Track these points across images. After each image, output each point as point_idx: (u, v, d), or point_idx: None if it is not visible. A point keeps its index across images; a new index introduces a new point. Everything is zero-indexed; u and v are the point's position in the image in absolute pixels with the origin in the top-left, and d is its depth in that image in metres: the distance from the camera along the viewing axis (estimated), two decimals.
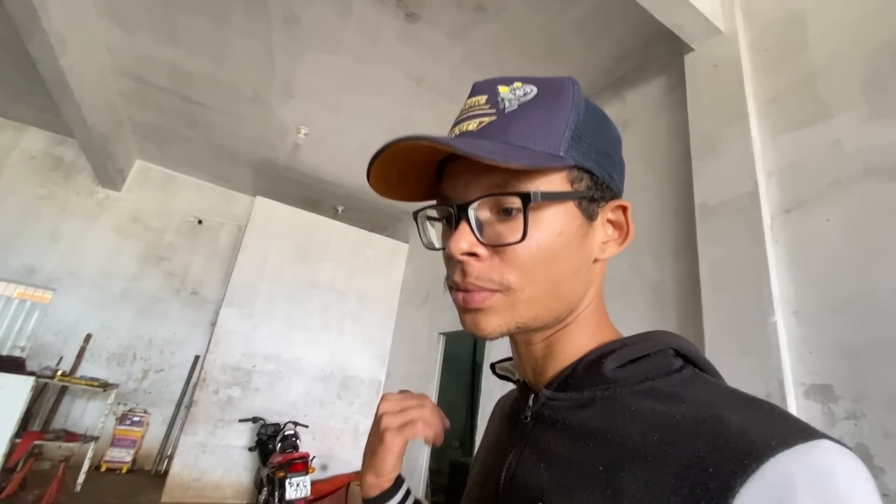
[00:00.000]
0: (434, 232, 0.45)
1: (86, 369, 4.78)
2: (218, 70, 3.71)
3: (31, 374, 3.25)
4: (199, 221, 5.78)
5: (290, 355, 4.87)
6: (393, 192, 0.44)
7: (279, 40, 3.28)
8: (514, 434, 0.43)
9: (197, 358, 5.42)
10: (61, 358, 4.71)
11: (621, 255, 2.38)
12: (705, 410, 0.32)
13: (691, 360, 0.39)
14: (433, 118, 3.85)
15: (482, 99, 0.41)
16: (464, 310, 0.39)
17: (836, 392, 1.59)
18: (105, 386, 3.94)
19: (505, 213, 0.37)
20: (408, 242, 5.94)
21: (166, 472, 4.70)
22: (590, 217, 0.40)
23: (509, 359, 0.52)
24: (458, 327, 3.26)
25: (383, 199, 5.27)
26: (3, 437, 2.96)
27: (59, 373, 3.61)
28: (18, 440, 3.02)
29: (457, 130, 0.40)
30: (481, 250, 0.37)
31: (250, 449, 4.17)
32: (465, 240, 0.37)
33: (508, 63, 3.15)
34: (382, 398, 0.50)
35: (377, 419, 0.49)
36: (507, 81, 0.41)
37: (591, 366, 0.39)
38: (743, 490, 0.26)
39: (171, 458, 4.83)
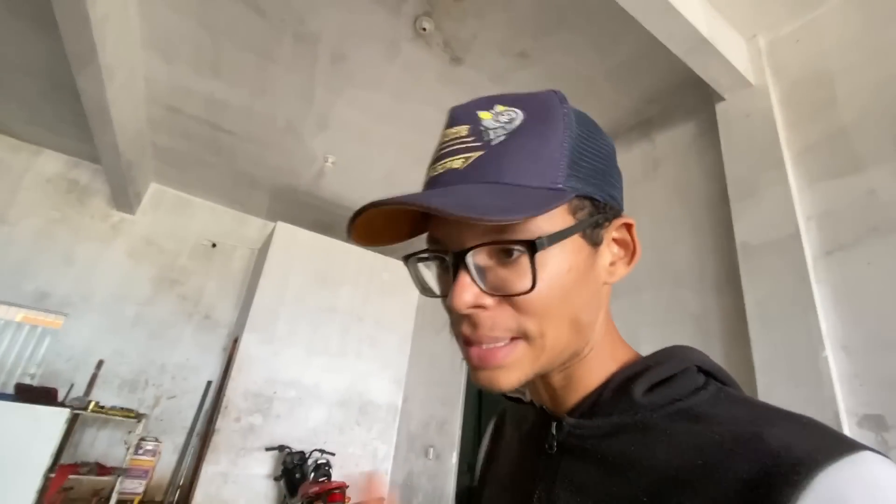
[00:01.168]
0: (430, 274, 0.42)
1: (97, 396, 4.65)
2: (255, 102, 3.80)
3: (62, 405, 3.20)
4: (213, 245, 5.76)
5: (310, 381, 4.86)
6: (376, 241, 0.41)
7: (322, 77, 3.41)
8: (539, 467, 0.40)
9: (209, 383, 5.34)
10: (72, 385, 4.59)
11: (661, 286, 2.52)
12: (744, 428, 0.31)
13: (713, 375, 0.38)
14: None
15: (463, 130, 0.38)
16: (478, 368, 0.36)
17: (888, 422, 1.74)
18: (139, 416, 3.87)
19: (506, 256, 0.35)
20: None
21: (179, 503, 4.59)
22: (595, 244, 0.38)
23: None
24: None
25: None
26: (38, 472, 2.90)
27: (93, 404, 3.54)
28: (52, 475, 2.95)
29: (440, 168, 0.37)
30: (488, 300, 0.35)
31: (276, 478, 4.12)
32: (468, 292, 0.34)
33: None
34: None
35: None
36: (487, 105, 0.39)
37: (618, 391, 0.38)
38: None
39: (182, 487, 4.72)
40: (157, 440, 4.88)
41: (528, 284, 0.33)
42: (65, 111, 4.25)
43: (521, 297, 0.34)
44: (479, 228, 0.34)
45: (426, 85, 3.34)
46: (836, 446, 0.27)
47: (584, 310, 0.38)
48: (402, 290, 5.81)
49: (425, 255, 0.40)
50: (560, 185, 0.35)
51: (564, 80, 3.10)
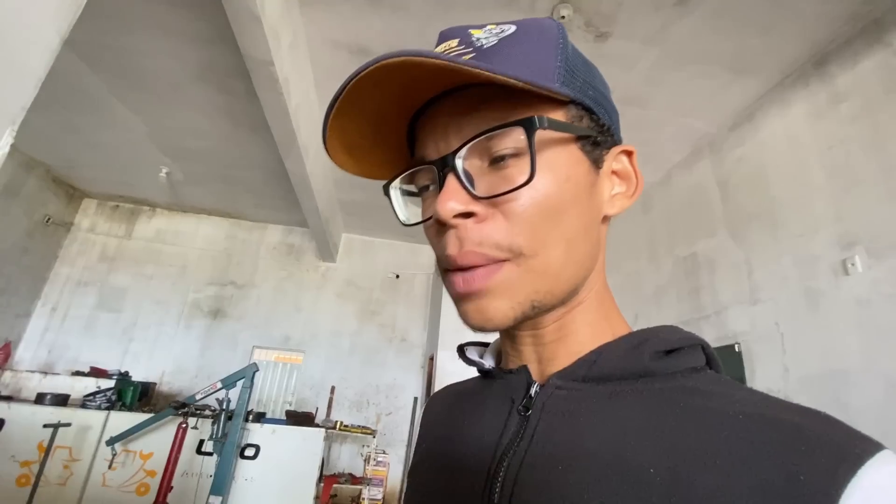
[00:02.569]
0: (413, 206, 0.38)
1: (335, 417, 5.59)
2: None
3: (318, 425, 3.89)
4: (397, 276, 6.47)
5: None
6: (356, 162, 0.37)
7: None
8: (507, 430, 0.35)
9: (416, 399, 5.92)
10: (317, 408, 5.60)
11: None
12: (764, 412, 0.28)
13: (709, 360, 0.34)
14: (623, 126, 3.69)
15: (453, 42, 0.35)
16: (465, 296, 0.32)
17: None
18: (373, 432, 4.52)
19: (499, 161, 0.31)
20: None
21: None
22: (595, 163, 0.35)
23: (481, 343, 0.43)
24: None
25: None
26: (311, 481, 3.55)
27: (339, 423, 4.25)
28: (321, 484, 3.60)
29: None
30: (478, 207, 0.31)
31: None
32: (454, 198, 0.30)
33: (714, 48, 2.86)
34: None
35: None
36: (479, 26, 0.36)
37: (627, 354, 0.33)
38: (841, 502, 0.23)
39: None
40: (384, 452, 5.60)
41: (526, 176, 0.30)
42: (278, 191, 5.34)
43: (514, 198, 0.31)
44: (469, 125, 0.31)
45: None
46: (864, 441, 0.26)
47: (579, 235, 0.33)
48: None
49: (408, 185, 0.37)
50: (556, 86, 0.31)
51: (740, 11, 2.61)
